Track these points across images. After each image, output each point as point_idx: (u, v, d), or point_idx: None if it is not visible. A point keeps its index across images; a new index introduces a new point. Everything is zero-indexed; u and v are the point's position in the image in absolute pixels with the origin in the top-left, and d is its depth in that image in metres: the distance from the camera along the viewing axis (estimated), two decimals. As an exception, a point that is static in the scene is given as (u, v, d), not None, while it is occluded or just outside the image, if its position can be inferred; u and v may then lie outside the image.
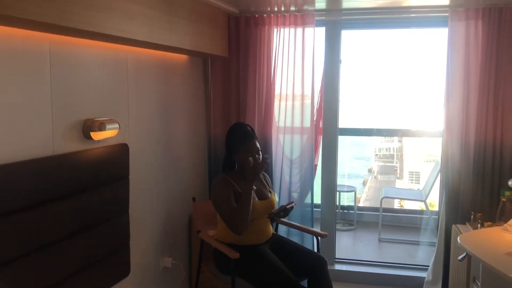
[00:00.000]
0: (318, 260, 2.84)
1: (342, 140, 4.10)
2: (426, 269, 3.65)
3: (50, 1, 1.73)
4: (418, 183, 10.82)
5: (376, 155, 13.14)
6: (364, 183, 12.03)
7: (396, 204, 6.89)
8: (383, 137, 12.67)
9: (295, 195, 3.70)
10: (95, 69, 2.36)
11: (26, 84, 1.93)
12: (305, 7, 3.39)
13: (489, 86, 3.20)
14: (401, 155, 12.85)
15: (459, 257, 2.80)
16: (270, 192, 2.99)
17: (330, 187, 3.90)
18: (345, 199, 5.67)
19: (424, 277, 3.63)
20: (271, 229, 2.97)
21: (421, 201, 4.89)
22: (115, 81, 2.55)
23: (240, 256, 2.64)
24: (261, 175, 3.00)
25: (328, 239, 3.67)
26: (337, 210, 4.77)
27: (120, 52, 2.56)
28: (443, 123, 3.38)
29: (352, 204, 5.55)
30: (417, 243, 4.70)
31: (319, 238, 3.10)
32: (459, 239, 2.57)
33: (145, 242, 2.91)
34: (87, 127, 2.26)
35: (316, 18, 3.48)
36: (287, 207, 2.85)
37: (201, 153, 3.71)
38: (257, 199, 2.83)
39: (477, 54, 3.22)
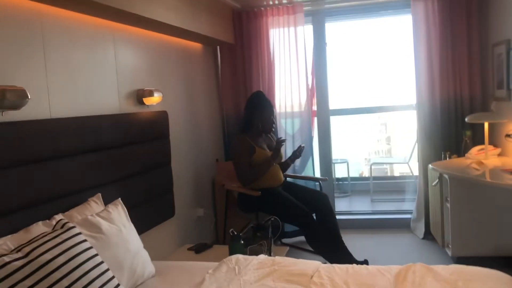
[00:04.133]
0: (320, 195, 3.58)
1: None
2: (411, 213, 4.35)
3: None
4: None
5: (366, 158, 13.45)
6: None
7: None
8: (372, 141, 12.99)
9: (297, 161, 4.35)
10: (143, 52, 3.09)
11: (100, 63, 2.63)
12: (295, -1, 4.15)
13: (447, 52, 3.96)
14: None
15: (433, 183, 3.52)
16: None
17: (326, 159, 4.61)
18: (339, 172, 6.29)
19: (410, 218, 4.35)
20: (282, 176, 3.68)
21: (405, 163, 5.62)
22: (157, 62, 3.27)
23: (260, 196, 3.33)
24: (269, 135, 3.71)
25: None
26: (333, 183, 5.42)
27: (161, 39, 3.31)
28: (415, 86, 4.11)
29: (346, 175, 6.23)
30: (403, 200, 5.40)
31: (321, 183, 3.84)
32: (431, 165, 3.31)
33: (183, 193, 3.58)
34: (140, 95, 2.97)
35: (304, 8, 4.23)
36: (299, 148, 3.60)
37: (217, 122, 4.45)
38: (269, 151, 3.53)
39: (435, 28, 3.98)
